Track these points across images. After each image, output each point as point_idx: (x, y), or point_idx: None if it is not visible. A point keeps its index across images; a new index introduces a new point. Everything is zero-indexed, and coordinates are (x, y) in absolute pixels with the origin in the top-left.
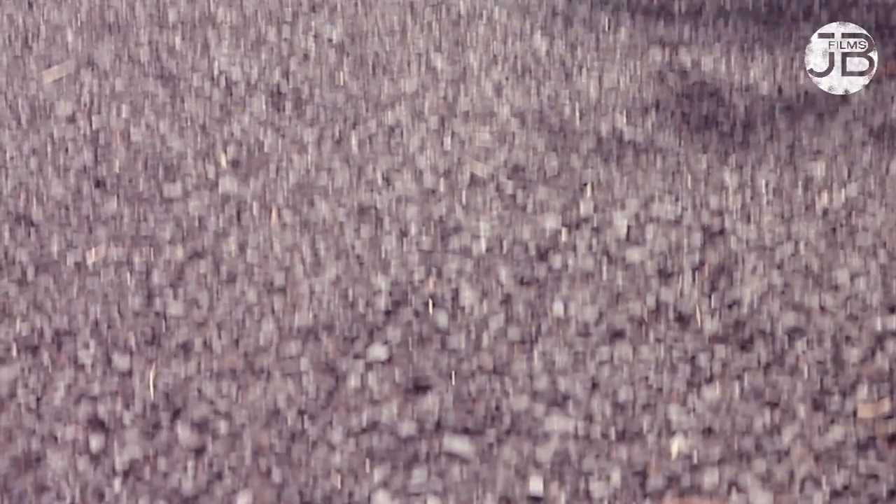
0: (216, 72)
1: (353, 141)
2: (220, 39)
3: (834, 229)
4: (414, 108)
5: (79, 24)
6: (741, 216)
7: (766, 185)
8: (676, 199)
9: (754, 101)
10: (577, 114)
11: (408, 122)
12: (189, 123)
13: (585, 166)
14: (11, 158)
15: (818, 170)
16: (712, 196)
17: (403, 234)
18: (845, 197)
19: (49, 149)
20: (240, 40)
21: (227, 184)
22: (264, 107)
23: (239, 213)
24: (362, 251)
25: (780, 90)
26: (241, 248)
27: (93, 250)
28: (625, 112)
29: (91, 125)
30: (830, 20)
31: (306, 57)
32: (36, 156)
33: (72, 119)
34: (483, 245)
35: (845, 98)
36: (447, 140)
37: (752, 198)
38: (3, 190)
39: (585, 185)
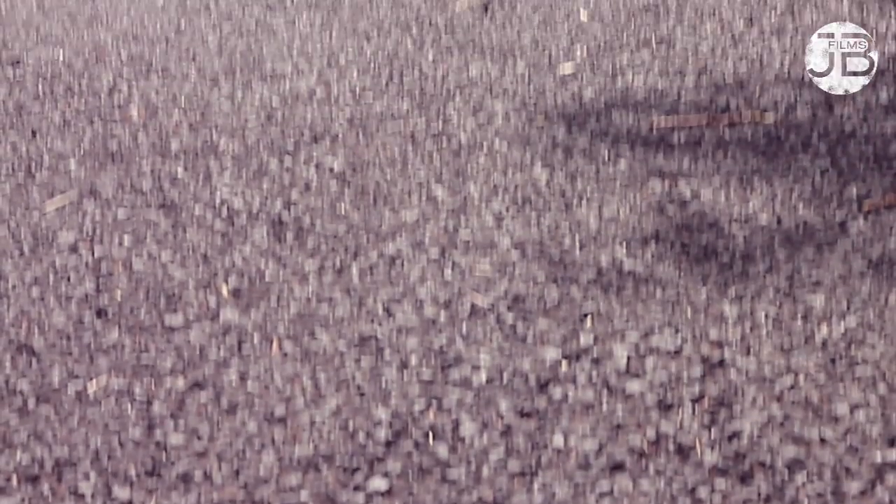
0: (218, 201)
1: (354, 271)
2: (222, 169)
3: (833, 361)
4: (415, 239)
5: (82, 153)
6: (741, 348)
7: (766, 316)
8: (676, 331)
9: (753, 232)
10: (577, 245)
11: (408, 253)
12: (191, 253)
13: (585, 297)
14: (13, 287)
15: (817, 301)
16: (712, 327)
17: (404, 364)
18: (845, 328)
19: (51, 278)
20: (242, 170)
21: (229, 313)
22: (266, 237)
23: (240, 343)
24: (363, 382)
25: (779, 221)
26: (242, 378)
27: (94, 380)
28: (624, 243)
29: (93, 254)
30: (829, 152)
31: (308, 187)
32: (38, 285)
33: (74, 248)
34: (483, 376)
35: (844, 229)
36: (448, 271)
37: (751, 329)
38: (5, 319)
39: (585, 316)
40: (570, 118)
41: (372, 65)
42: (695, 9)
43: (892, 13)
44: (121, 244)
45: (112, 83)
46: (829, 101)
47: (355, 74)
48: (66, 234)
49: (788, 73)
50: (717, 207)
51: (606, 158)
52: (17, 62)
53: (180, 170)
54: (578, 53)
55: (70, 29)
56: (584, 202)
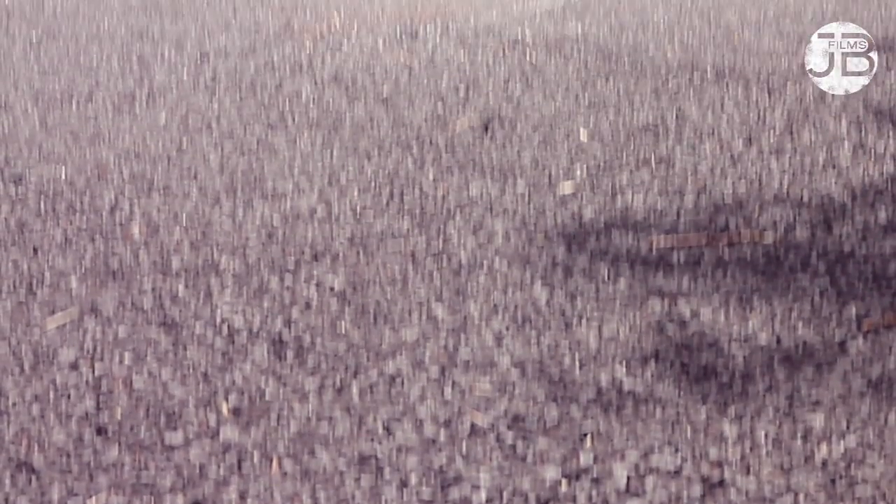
0: (219, 320)
1: (354, 390)
2: (222, 287)
3: (833, 481)
4: (415, 358)
5: (83, 270)
6: (741, 467)
7: (766, 435)
8: (676, 450)
9: (753, 351)
10: (577, 364)
11: (408, 372)
12: (191, 371)
13: (585, 416)
14: (14, 405)
15: (817, 421)
16: (712, 447)
17: (403, 483)
18: (844, 448)
19: (51, 395)
20: (242, 288)
21: (229, 432)
22: (266, 355)
23: (240, 462)
24: (362, 501)
25: (778, 340)
26: (242, 496)
27: (93, 498)
28: (624, 362)
29: (93, 372)
30: (828, 272)
31: (308, 306)
32: (38, 402)
33: (74, 366)
34: (483, 496)
35: (843, 348)
36: (448, 389)
37: (751, 449)
38: (5, 436)
39: (585, 435)
40: (569, 237)
41: (372, 184)
42: (694, 129)
43: (891, 133)
44: (121, 362)
45: (114, 201)
46: (828, 220)
47: (356, 193)
48: (67, 352)
49: (788, 192)
50: (717, 327)
51: (606, 278)
52: (20, 180)
53: (181, 288)
54: (578, 173)
55: (72, 147)
56: (583, 321)
